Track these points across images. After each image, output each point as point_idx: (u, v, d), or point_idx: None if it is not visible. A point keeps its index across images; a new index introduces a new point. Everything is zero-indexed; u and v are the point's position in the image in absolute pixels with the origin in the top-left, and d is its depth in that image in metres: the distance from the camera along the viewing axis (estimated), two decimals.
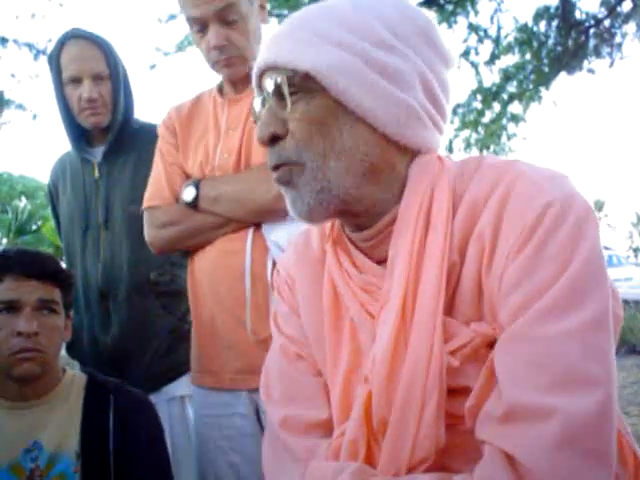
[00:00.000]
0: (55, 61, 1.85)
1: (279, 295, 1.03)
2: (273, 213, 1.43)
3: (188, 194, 1.52)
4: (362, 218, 0.86)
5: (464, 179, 0.83)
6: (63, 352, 1.79)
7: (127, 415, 1.46)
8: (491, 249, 0.76)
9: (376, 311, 0.83)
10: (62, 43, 1.85)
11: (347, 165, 0.81)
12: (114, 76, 1.86)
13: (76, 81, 1.83)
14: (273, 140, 0.83)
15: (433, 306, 0.77)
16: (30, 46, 8.05)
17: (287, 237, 1.42)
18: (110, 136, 1.89)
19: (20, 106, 8.54)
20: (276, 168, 0.84)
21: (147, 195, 1.61)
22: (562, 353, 0.69)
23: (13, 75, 8.40)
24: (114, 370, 1.79)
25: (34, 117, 8.57)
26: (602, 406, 0.67)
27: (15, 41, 7.96)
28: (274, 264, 1.43)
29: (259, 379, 1.02)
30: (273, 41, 0.84)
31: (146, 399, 1.56)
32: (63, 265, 1.72)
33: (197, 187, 1.51)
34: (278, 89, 0.81)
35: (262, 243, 1.46)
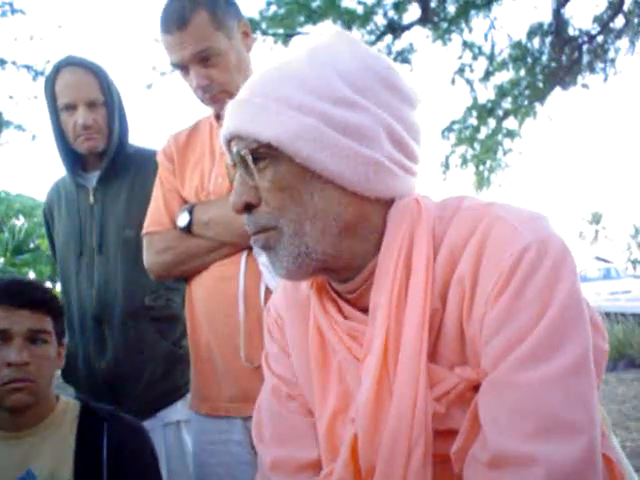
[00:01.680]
0: (50, 88, 1.87)
1: (269, 335, 1.03)
2: None
3: (182, 219, 1.53)
4: (342, 272, 0.86)
5: (443, 222, 0.83)
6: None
7: (121, 443, 1.46)
8: (470, 295, 0.77)
9: (362, 355, 0.83)
10: (57, 70, 1.87)
11: (322, 227, 0.81)
12: (109, 102, 1.88)
13: (71, 108, 1.85)
14: (247, 208, 0.84)
15: (416, 352, 0.78)
16: (28, 68, 8.11)
17: None
18: (105, 161, 1.90)
19: (19, 127, 8.58)
20: (257, 233, 0.85)
21: (146, 221, 1.63)
22: (544, 400, 0.69)
23: (11, 97, 8.44)
24: (109, 395, 1.79)
25: (33, 138, 8.61)
26: (586, 452, 0.68)
27: (14, 63, 8.02)
28: (267, 289, 1.43)
29: (253, 407, 1.02)
30: (235, 109, 0.84)
31: (140, 427, 1.55)
32: (55, 290, 1.72)
33: (191, 212, 1.53)
34: (244, 159, 0.82)
35: (256, 267, 1.47)
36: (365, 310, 0.86)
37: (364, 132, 0.80)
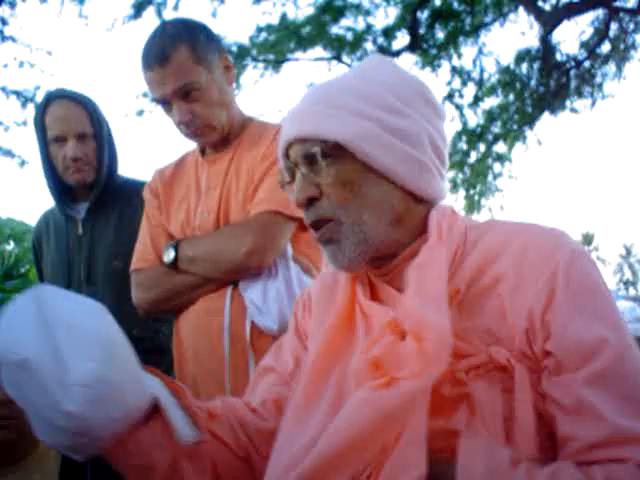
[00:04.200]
0: (40, 120, 1.88)
1: (293, 318, 1.12)
2: (245, 271, 1.46)
3: (168, 255, 1.54)
4: (382, 260, 0.96)
5: (478, 230, 0.95)
6: None
7: (106, 478, 1.45)
8: (514, 286, 0.85)
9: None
10: (47, 102, 1.88)
11: (378, 216, 0.92)
12: (98, 135, 1.89)
13: (61, 140, 1.86)
14: (309, 202, 0.94)
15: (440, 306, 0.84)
16: (18, 94, 8.13)
17: (262, 294, 1.43)
18: (94, 193, 1.91)
19: (8, 153, 8.58)
20: (314, 225, 0.94)
21: (134, 258, 1.63)
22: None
23: (1, 122, 8.45)
24: None
25: (22, 164, 8.60)
26: None
27: (3, 89, 8.04)
28: (253, 324, 1.44)
29: None
30: (296, 117, 0.95)
31: None
32: None
33: (176, 248, 1.53)
34: (311, 157, 0.92)
35: (241, 302, 1.47)
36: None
37: (412, 137, 0.93)
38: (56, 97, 1.89)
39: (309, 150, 0.92)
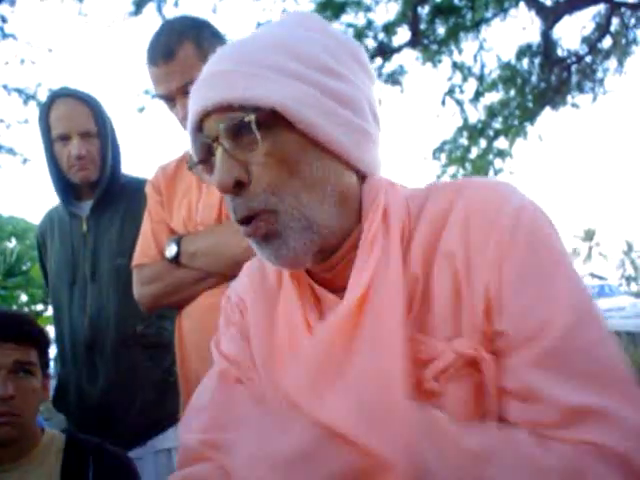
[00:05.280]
0: (44, 119, 1.90)
1: (226, 320, 0.98)
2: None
3: (170, 251, 1.55)
4: (326, 252, 0.83)
5: (417, 199, 0.83)
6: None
7: (107, 475, 1.46)
8: (466, 264, 0.76)
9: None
10: (51, 101, 1.90)
11: (320, 198, 0.78)
12: (102, 133, 1.91)
13: (65, 138, 1.88)
14: (236, 187, 0.77)
15: (394, 320, 0.74)
16: (20, 91, 8.15)
17: None
18: (98, 191, 1.93)
19: (10, 150, 8.60)
20: (246, 220, 0.78)
21: (136, 254, 1.64)
22: (601, 359, 0.70)
23: (2, 120, 8.47)
24: (100, 423, 1.80)
25: (24, 162, 8.62)
26: None
27: (5, 86, 8.05)
28: None
29: None
30: (217, 79, 0.77)
31: (126, 458, 1.55)
32: (47, 314, 1.73)
33: (178, 243, 1.55)
34: (238, 129, 0.75)
35: None
36: (339, 290, 0.82)
37: (354, 103, 0.80)
38: (60, 96, 1.90)
39: (237, 120, 0.74)
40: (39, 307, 13.15)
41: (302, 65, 0.77)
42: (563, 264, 0.74)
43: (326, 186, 0.78)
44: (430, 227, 0.79)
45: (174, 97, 1.51)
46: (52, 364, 1.87)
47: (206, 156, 0.80)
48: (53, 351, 1.97)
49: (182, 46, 1.48)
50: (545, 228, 0.76)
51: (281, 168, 0.76)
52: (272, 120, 0.74)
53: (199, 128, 0.79)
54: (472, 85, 9.73)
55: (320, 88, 0.77)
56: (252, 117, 0.73)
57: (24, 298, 13.16)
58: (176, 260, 1.54)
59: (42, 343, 1.50)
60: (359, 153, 0.80)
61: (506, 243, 0.74)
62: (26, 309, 12.87)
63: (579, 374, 0.68)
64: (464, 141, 10.09)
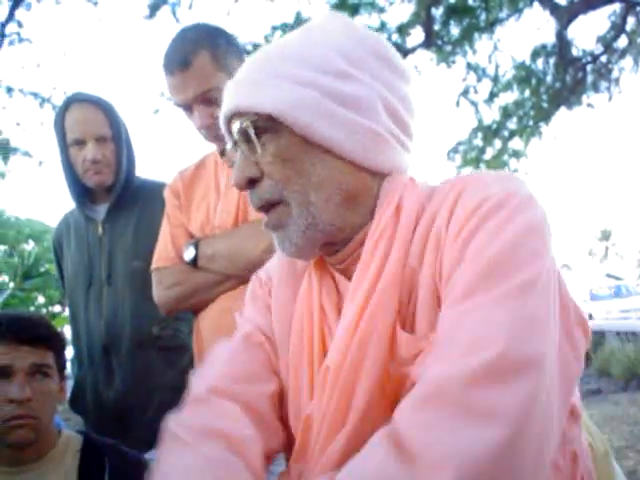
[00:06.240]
0: (60, 124, 1.92)
1: (253, 294, 1.02)
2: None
3: (188, 254, 1.56)
4: (338, 245, 0.87)
5: (428, 197, 0.84)
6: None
7: (123, 477, 1.46)
8: (442, 248, 0.77)
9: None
10: (66, 106, 1.92)
11: (326, 196, 0.82)
12: (116, 137, 1.93)
13: (80, 143, 1.90)
14: (250, 184, 0.85)
15: (384, 319, 0.77)
16: (35, 95, 8.24)
17: None
18: (113, 194, 1.94)
19: (26, 153, 8.70)
20: (262, 209, 0.86)
21: (155, 257, 1.66)
22: (491, 326, 0.67)
23: (19, 124, 8.57)
24: (117, 424, 1.82)
25: (40, 164, 8.72)
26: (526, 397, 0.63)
27: (21, 90, 8.15)
28: None
29: None
30: (234, 87, 0.86)
31: (142, 460, 1.56)
32: (65, 315, 1.74)
33: (196, 247, 1.56)
34: (246, 134, 0.83)
35: None
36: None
37: (361, 103, 0.82)
38: (75, 101, 1.92)
39: (242, 125, 0.83)
40: (56, 308, 13.27)
41: (308, 70, 0.82)
42: (518, 266, 0.70)
43: (332, 185, 0.82)
44: (429, 220, 0.81)
45: (191, 105, 1.52)
46: (69, 365, 1.89)
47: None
48: (70, 352, 2.00)
49: (198, 55, 1.48)
50: (496, 218, 0.73)
51: (288, 167, 0.82)
52: (274, 124, 0.81)
53: (229, 131, 0.88)
54: (486, 86, 9.74)
55: (323, 91, 0.81)
56: (248, 123, 0.82)
57: (41, 300, 13.28)
58: (194, 263, 1.55)
59: (58, 345, 1.51)
60: (366, 153, 0.83)
61: (457, 229, 0.75)
62: (43, 310, 12.99)
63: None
64: (479, 142, 10.06)
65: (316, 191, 0.82)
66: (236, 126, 0.84)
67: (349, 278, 0.86)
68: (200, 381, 0.92)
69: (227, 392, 0.88)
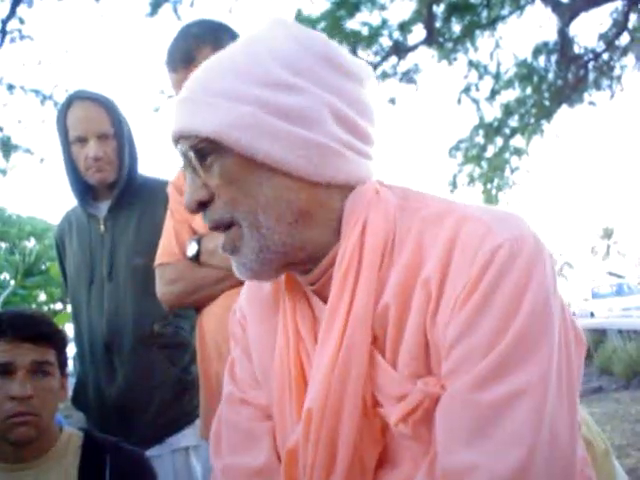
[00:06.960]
0: (62, 121, 1.92)
1: (233, 338, 1.01)
2: None
3: (191, 249, 1.56)
4: (306, 264, 0.84)
5: (407, 214, 0.81)
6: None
7: (124, 474, 1.46)
8: (437, 298, 0.74)
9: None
10: (68, 104, 1.92)
11: (276, 216, 0.79)
12: (119, 135, 1.93)
13: (82, 141, 1.90)
14: (201, 206, 0.82)
15: (360, 351, 0.76)
16: (37, 92, 8.24)
17: None
18: (115, 192, 1.94)
19: (27, 150, 8.69)
20: (216, 230, 0.83)
21: (158, 253, 1.66)
22: (506, 421, 0.67)
23: (20, 121, 8.57)
24: (119, 421, 1.82)
25: (41, 161, 8.72)
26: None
27: (22, 87, 8.15)
28: None
29: None
30: (177, 108, 0.83)
31: (143, 457, 1.56)
32: (66, 312, 1.74)
33: (199, 242, 1.56)
34: (189, 157, 0.81)
35: None
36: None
37: (304, 114, 0.78)
38: (77, 98, 1.92)
39: (184, 150, 0.81)
40: (58, 306, 13.28)
41: (246, 84, 0.78)
42: (516, 316, 0.69)
43: (281, 204, 0.79)
44: (414, 255, 0.77)
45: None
46: (71, 362, 1.89)
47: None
48: (72, 349, 2.00)
49: (201, 51, 1.48)
50: (514, 274, 0.71)
51: (235, 189, 0.79)
52: (217, 145, 0.78)
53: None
54: (488, 83, 9.68)
55: (263, 107, 0.77)
56: (187, 147, 0.80)
57: (43, 297, 13.29)
58: (197, 259, 1.55)
59: (60, 343, 1.51)
60: (313, 168, 0.78)
61: (469, 287, 0.71)
62: (45, 308, 13.00)
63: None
64: (480, 139, 10.04)
65: (264, 212, 0.79)
66: (180, 149, 0.82)
67: (324, 300, 0.83)
68: (216, 460, 0.94)
69: (234, 469, 0.91)
